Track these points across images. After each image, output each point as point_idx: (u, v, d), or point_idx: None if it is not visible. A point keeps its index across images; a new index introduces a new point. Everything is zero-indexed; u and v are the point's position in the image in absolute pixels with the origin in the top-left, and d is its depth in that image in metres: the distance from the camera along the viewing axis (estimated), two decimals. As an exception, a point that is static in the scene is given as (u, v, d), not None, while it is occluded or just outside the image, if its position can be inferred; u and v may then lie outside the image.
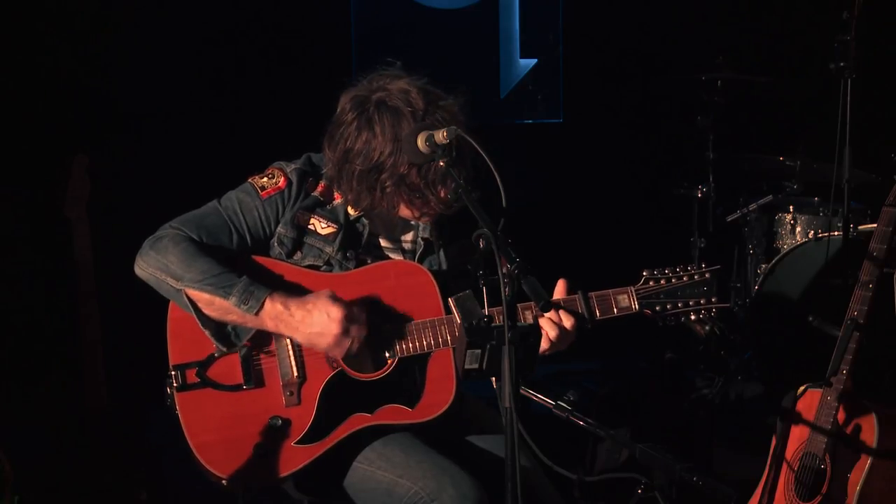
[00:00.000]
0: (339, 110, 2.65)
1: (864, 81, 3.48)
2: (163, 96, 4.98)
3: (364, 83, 2.64)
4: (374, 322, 2.59)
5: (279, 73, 5.35)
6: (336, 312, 2.51)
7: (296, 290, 2.59)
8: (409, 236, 2.79)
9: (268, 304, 2.52)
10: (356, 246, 2.71)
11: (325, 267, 2.68)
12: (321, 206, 2.70)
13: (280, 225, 2.67)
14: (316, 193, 2.70)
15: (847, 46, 3.45)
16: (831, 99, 3.50)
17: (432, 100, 2.58)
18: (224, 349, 2.58)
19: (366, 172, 2.58)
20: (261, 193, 2.66)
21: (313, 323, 2.51)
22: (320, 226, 2.69)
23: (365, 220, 2.71)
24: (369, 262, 2.70)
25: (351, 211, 2.70)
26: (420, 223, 2.75)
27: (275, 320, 2.53)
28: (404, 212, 2.66)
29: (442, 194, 2.55)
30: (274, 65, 5.34)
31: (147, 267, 2.57)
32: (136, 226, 2.74)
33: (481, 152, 2.30)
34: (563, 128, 6.08)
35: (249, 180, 2.70)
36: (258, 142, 4.56)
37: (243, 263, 2.62)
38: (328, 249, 2.68)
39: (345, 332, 2.51)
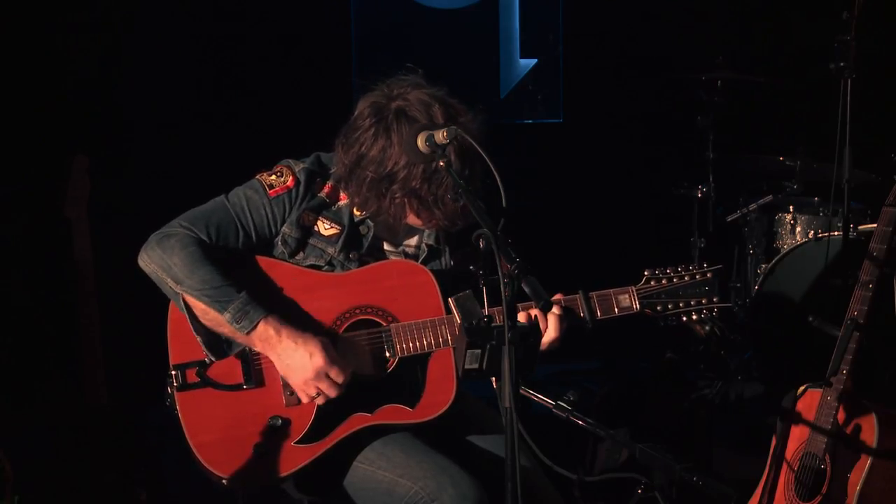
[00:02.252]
0: (356, 114, 2.63)
1: (864, 81, 3.48)
2: (163, 96, 4.99)
3: (384, 88, 2.62)
4: (376, 333, 2.60)
5: (279, 73, 5.35)
6: (318, 361, 2.51)
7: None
8: (412, 241, 2.79)
9: (261, 327, 2.52)
10: (359, 248, 2.70)
11: (326, 267, 2.67)
12: (327, 208, 2.70)
13: (286, 224, 2.67)
14: (322, 194, 2.70)
15: (847, 46, 3.44)
16: (831, 99, 3.50)
17: (452, 115, 2.57)
18: (213, 357, 2.58)
19: (377, 180, 2.57)
20: (269, 192, 2.65)
21: (293, 357, 2.52)
22: (324, 227, 2.69)
23: (370, 223, 2.71)
24: (371, 262, 2.69)
25: (356, 212, 2.70)
26: (425, 229, 2.75)
27: (263, 342, 2.54)
28: (410, 220, 2.66)
29: (449, 209, 2.55)
30: (274, 65, 5.34)
31: (150, 263, 2.57)
32: (136, 226, 2.74)
33: (481, 152, 2.31)
34: (563, 128, 6.08)
35: (258, 177, 2.69)
36: (258, 142, 4.58)
37: (246, 266, 2.61)
38: (330, 250, 2.67)
39: (315, 379, 2.52)
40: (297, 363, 2.52)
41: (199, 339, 2.56)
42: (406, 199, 2.58)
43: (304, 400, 2.57)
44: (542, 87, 6.07)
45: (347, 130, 2.63)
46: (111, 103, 4.87)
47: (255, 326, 2.52)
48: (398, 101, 2.58)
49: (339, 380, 2.53)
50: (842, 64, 3.46)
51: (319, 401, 2.55)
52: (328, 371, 2.52)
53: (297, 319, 2.58)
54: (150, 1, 5.02)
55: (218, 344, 2.58)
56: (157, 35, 5.00)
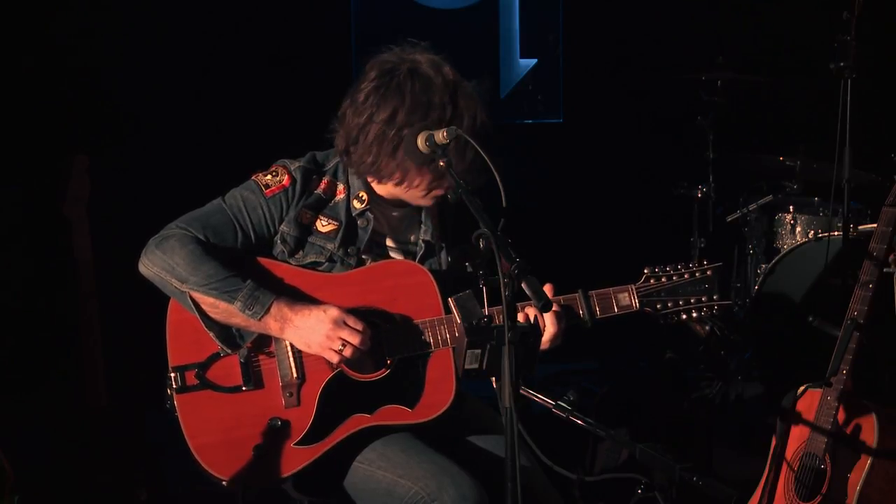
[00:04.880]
0: (364, 75, 2.64)
1: (864, 81, 3.48)
2: (163, 96, 4.99)
3: (394, 51, 2.65)
4: (375, 331, 2.59)
5: (279, 73, 5.35)
6: (333, 311, 2.52)
7: (299, 294, 2.59)
8: (411, 237, 2.79)
9: (274, 308, 2.53)
10: (357, 242, 2.70)
11: (326, 264, 2.67)
12: (324, 204, 2.70)
13: (284, 223, 2.67)
14: (319, 191, 2.70)
15: (847, 46, 3.44)
16: (831, 99, 3.50)
17: (458, 79, 2.63)
18: (228, 350, 2.58)
19: (388, 138, 2.57)
20: (265, 192, 2.66)
21: (309, 320, 2.52)
22: (322, 224, 2.69)
23: (369, 215, 2.71)
24: (370, 260, 2.69)
25: (356, 205, 2.70)
26: (423, 225, 2.75)
27: (279, 322, 2.54)
28: (412, 191, 2.64)
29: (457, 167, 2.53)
30: (274, 65, 5.34)
31: (152, 266, 2.57)
32: (136, 226, 2.74)
33: (481, 152, 2.31)
34: (563, 128, 6.08)
35: (253, 178, 2.69)
36: (258, 142, 4.56)
37: (247, 265, 2.62)
38: (330, 246, 2.68)
39: (335, 328, 2.51)
40: (314, 322, 2.52)
41: (211, 334, 2.56)
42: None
43: (334, 359, 2.54)
44: (542, 87, 6.06)
45: (355, 93, 2.64)
46: (111, 103, 4.87)
47: (269, 309, 2.52)
48: (408, 63, 2.61)
49: (358, 326, 2.53)
50: (842, 64, 3.45)
51: (347, 353, 2.52)
52: (345, 318, 2.52)
53: None
54: (150, 1, 5.02)
55: (231, 336, 2.59)
56: (157, 34, 5.00)
